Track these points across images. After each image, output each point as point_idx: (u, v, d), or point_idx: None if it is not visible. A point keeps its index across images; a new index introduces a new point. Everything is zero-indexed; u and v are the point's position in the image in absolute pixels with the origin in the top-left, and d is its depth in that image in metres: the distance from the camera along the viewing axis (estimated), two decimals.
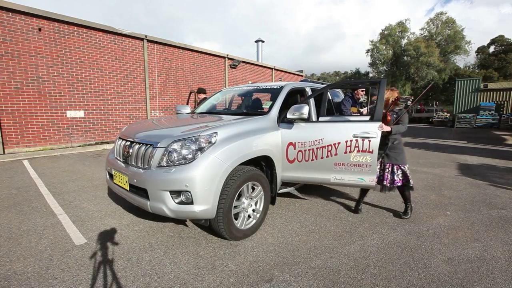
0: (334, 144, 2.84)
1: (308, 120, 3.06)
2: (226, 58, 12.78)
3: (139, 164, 2.46)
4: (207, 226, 2.45)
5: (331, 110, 4.52)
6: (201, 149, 2.31)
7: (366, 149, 2.74)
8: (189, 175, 2.19)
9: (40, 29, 7.19)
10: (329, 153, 2.86)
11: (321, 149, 2.88)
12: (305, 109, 2.87)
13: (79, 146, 7.99)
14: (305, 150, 2.96)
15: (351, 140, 2.78)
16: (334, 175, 2.90)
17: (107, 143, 8.58)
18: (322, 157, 2.89)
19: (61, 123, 7.78)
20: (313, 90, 4.12)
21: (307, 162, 2.96)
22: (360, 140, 2.75)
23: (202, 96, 5.87)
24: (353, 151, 2.78)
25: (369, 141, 2.72)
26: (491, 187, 4.39)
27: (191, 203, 2.22)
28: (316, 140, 2.90)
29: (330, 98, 4.60)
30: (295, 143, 3.01)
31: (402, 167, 3.03)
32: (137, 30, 9.91)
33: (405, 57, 34.77)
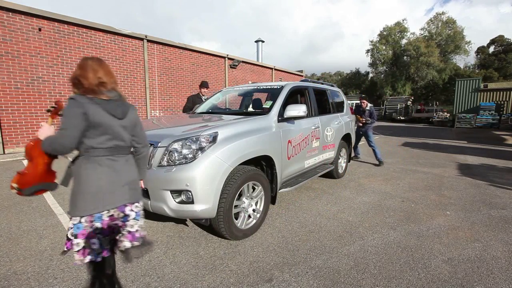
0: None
1: (306, 117, 3.53)
2: (226, 58, 12.78)
3: None
4: (208, 225, 2.45)
5: (329, 109, 4.53)
6: (201, 149, 2.31)
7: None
8: (190, 174, 2.19)
9: (40, 29, 7.19)
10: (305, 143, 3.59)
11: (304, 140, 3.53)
12: (303, 108, 3.08)
13: None
14: (297, 144, 3.36)
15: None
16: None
17: None
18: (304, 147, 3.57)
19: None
20: (314, 90, 4.13)
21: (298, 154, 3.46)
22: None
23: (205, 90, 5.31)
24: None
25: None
26: (491, 187, 4.39)
27: (192, 202, 2.22)
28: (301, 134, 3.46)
29: (329, 98, 4.61)
30: (291, 140, 3.23)
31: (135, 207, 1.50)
32: (134, 30, 9.95)
33: (405, 57, 34.76)
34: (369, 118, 6.13)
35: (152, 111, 9.96)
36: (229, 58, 12.92)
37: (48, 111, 1.58)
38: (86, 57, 1.44)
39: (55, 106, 1.55)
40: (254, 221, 2.70)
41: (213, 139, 2.37)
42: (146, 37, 9.46)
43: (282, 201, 3.63)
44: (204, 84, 5.38)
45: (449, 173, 5.31)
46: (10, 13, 6.72)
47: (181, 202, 2.26)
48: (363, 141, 6.68)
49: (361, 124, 6.26)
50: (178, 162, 2.28)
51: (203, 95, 5.27)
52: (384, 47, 35.66)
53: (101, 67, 1.43)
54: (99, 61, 1.46)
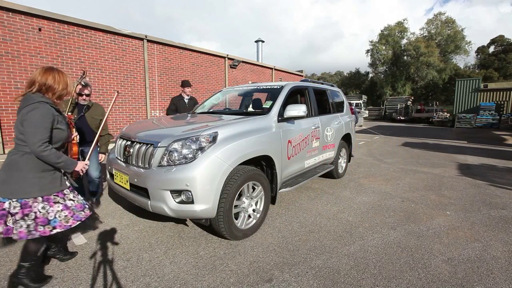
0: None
1: (306, 117, 3.55)
2: (226, 58, 12.78)
3: (140, 164, 2.46)
4: (208, 225, 2.45)
5: (329, 109, 4.53)
6: (201, 149, 2.31)
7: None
8: (190, 174, 2.19)
9: (40, 29, 7.19)
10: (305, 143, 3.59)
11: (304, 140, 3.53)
12: (302, 108, 3.08)
13: None
14: (296, 144, 3.35)
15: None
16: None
17: None
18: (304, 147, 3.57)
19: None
20: (314, 90, 4.13)
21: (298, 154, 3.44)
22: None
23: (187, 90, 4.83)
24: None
25: None
26: (491, 187, 4.39)
27: (192, 202, 2.22)
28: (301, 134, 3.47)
29: (329, 98, 4.61)
30: (291, 140, 3.23)
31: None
32: (133, 29, 9.98)
33: (405, 57, 34.77)
34: None
35: (152, 111, 9.96)
36: (229, 58, 12.92)
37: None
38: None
39: None
40: (254, 221, 2.70)
41: (213, 139, 2.37)
42: (146, 37, 9.46)
43: (282, 201, 3.63)
44: (185, 84, 4.84)
45: (449, 173, 5.31)
46: (10, 13, 6.72)
47: (181, 202, 2.26)
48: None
49: None
50: (178, 162, 2.28)
51: (187, 96, 4.82)
52: (384, 47, 35.65)
53: (38, 74, 1.78)
54: (42, 69, 1.80)
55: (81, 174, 2.00)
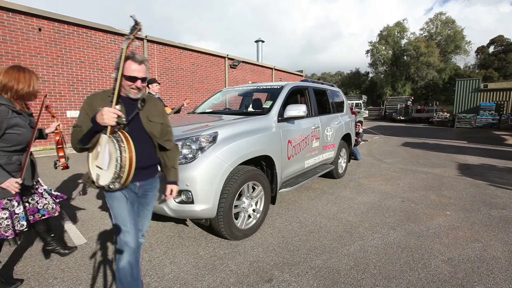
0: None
1: (306, 117, 3.51)
2: (226, 58, 12.79)
3: None
4: (208, 225, 2.45)
5: (329, 109, 4.54)
6: (201, 149, 2.31)
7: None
8: (190, 174, 2.19)
9: (40, 29, 7.20)
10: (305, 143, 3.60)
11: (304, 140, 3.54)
12: (303, 108, 3.07)
13: None
14: (296, 144, 3.36)
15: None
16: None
17: None
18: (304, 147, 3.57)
19: (61, 123, 7.77)
20: (314, 90, 4.13)
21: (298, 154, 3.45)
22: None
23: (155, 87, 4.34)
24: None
25: None
26: (491, 187, 4.39)
27: (192, 202, 2.22)
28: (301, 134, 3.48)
29: (329, 98, 4.61)
30: (291, 140, 3.23)
31: None
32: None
33: (405, 57, 34.76)
34: None
35: None
36: (229, 58, 12.92)
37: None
38: None
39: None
40: (254, 221, 2.70)
41: (213, 139, 2.37)
42: (146, 37, 9.46)
43: (282, 201, 3.63)
44: (153, 81, 4.32)
45: (449, 173, 5.31)
46: (10, 13, 6.72)
47: (181, 202, 2.26)
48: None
49: None
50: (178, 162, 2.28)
51: (155, 94, 4.35)
52: (383, 48, 35.64)
53: None
54: (3, 69, 1.76)
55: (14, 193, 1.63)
